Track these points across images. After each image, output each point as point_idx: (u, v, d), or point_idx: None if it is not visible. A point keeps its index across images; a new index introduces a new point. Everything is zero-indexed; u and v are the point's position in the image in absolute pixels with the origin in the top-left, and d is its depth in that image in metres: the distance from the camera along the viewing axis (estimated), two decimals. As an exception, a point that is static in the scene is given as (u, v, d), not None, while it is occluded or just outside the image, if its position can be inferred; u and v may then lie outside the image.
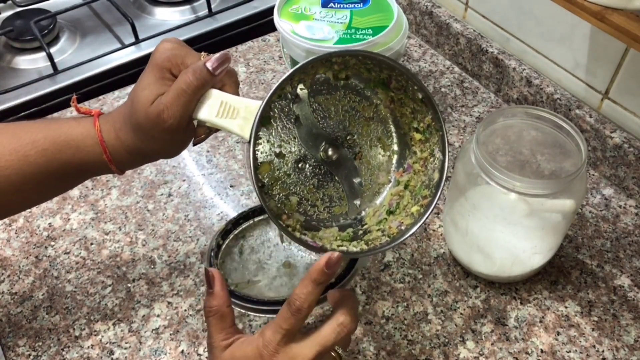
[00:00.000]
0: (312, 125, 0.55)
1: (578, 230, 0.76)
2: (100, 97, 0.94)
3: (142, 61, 1.01)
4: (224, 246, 0.70)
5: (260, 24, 1.10)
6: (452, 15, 0.98)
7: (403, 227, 0.54)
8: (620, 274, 0.72)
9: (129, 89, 0.96)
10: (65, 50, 1.03)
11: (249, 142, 0.49)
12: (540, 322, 0.67)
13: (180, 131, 0.52)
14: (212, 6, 1.10)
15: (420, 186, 0.56)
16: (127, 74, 1.01)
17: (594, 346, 0.65)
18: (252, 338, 0.49)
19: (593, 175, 0.83)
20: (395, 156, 0.59)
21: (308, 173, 0.56)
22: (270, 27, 0.92)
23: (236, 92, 0.54)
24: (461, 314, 0.68)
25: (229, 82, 0.53)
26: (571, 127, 0.62)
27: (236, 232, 0.71)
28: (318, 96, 0.55)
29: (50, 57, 0.96)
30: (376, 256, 0.73)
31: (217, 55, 0.51)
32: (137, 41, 1.03)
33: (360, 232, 0.56)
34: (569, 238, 0.75)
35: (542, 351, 0.65)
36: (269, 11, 1.02)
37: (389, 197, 0.58)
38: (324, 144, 0.56)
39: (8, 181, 0.52)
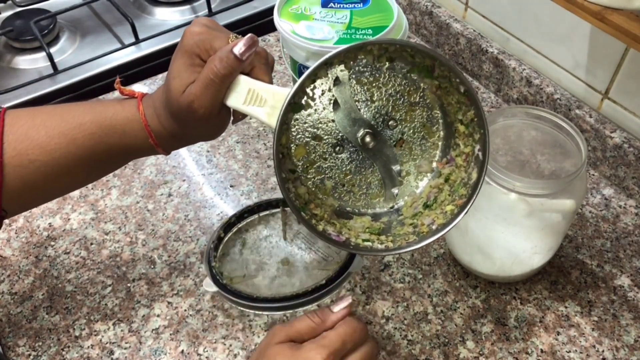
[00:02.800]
0: (351, 109, 0.53)
1: (578, 230, 0.76)
2: (100, 97, 0.94)
3: (142, 61, 1.01)
4: (226, 239, 0.71)
5: (260, 24, 1.09)
6: (452, 15, 0.98)
7: (434, 227, 0.52)
8: (620, 274, 0.72)
9: (128, 89, 0.96)
10: (65, 50, 1.03)
11: (275, 132, 0.48)
12: (540, 322, 0.67)
13: (214, 117, 0.52)
14: (212, 6, 1.10)
15: (459, 182, 0.54)
16: (127, 74, 1.00)
17: (594, 346, 0.65)
18: (308, 343, 0.49)
19: (593, 175, 0.83)
20: (440, 144, 0.56)
21: (345, 158, 0.54)
22: (270, 27, 0.92)
23: (268, 74, 0.52)
24: (461, 314, 0.68)
25: (258, 64, 0.52)
26: (571, 127, 0.62)
27: (240, 225, 0.72)
28: (361, 78, 0.52)
29: (50, 57, 0.96)
30: (376, 256, 0.73)
31: (244, 39, 0.49)
32: (137, 41, 1.03)
33: (395, 222, 0.55)
34: (569, 238, 0.75)
35: (542, 351, 0.65)
36: (269, 11, 1.02)
37: (428, 189, 0.56)
38: (362, 129, 0.53)
39: (57, 163, 0.53)
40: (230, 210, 0.79)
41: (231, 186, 0.82)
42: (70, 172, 0.54)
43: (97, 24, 1.08)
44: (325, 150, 0.53)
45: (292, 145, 0.52)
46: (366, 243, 0.52)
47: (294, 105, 0.51)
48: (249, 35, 0.50)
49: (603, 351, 0.65)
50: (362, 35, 0.76)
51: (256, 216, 0.73)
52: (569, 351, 0.65)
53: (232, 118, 0.55)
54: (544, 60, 0.87)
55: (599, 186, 0.81)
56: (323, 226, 0.52)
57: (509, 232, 0.64)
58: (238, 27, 1.08)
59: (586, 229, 0.76)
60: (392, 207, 0.56)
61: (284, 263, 0.70)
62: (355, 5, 0.80)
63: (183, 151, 0.87)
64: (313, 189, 0.54)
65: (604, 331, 0.66)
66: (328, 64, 0.50)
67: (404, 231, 0.54)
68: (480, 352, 0.65)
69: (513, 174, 0.59)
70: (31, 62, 1.01)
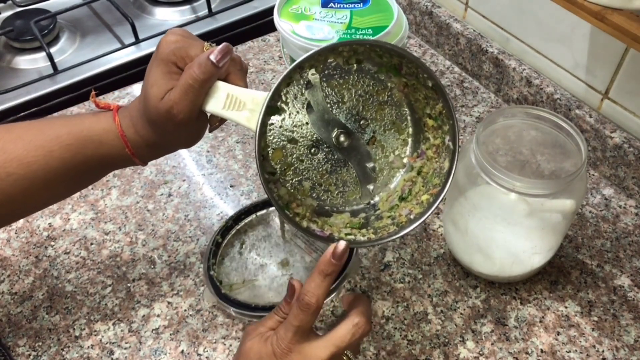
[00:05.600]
0: (324, 111, 0.55)
1: (578, 230, 0.76)
2: (100, 97, 0.94)
3: (142, 61, 1.01)
4: (224, 244, 0.71)
5: (260, 24, 1.09)
6: (452, 15, 0.98)
7: (412, 216, 0.54)
8: (620, 274, 0.72)
9: (129, 89, 0.96)
10: (65, 50, 1.03)
11: (255, 134, 0.49)
12: (540, 322, 0.67)
13: (192, 123, 0.53)
14: (212, 6, 1.10)
15: (432, 173, 0.56)
16: (127, 74, 1.00)
17: (594, 346, 0.65)
18: (271, 334, 0.49)
19: (593, 175, 0.83)
20: (410, 140, 0.58)
21: (321, 158, 0.56)
22: (270, 27, 0.92)
23: (243, 80, 0.54)
24: (461, 314, 0.68)
25: (234, 70, 0.53)
26: (571, 127, 0.62)
27: (238, 227, 0.72)
28: (331, 81, 0.54)
29: (50, 57, 0.96)
30: (376, 256, 0.73)
31: (220, 47, 0.51)
32: (137, 41, 1.03)
33: (373, 217, 0.57)
34: (569, 238, 0.75)
35: (542, 351, 0.65)
36: (269, 11, 1.02)
37: (402, 183, 0.58)
38: (336, 129, 0.55)
39: (35, 176, 0.53)
40: (230, 210, 0.79)
41: (231, 186, 0.82)
42: (48, 185, 0.54)
43: (97, 24, 1.08)
44: (301, 152, 0.55)
45: (269, 149, 0.54)
46: (349, 237, 0.53)
47: (272, 108, 0.53)
48: (224, 43, 0.51)
49: (603, 351, 0.65)
50: (362, 35, 0.76)
51: (253, 216, 0.73)
52: (569, 351, 0.65)
53: (208, 125, 0.56)
54: (544, 60, 0.87)
55: (599, 186, 0.81)
56: (307, 224, 0.53)
57: (509, 232, 0.64)
58: (238, 27, 1.08)
59: (586, 229, 0.76)
60: (368, 203, 0.58)
61: (284, 264, 0.70)
62: (355, 5, 0.80)
63: (183, 151, 0.87)
64: (292, 190, 0.55)
65: (604, 331, 0.66)
66: (300, 67, 0.51)
67: (384, 223, 0.55)
68: (480, 352, 0.65)
69: (513, 174, 0.59)
70: (31, 62, 1.01)
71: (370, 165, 0.58)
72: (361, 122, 0.56)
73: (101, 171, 0.59)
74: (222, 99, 0.52)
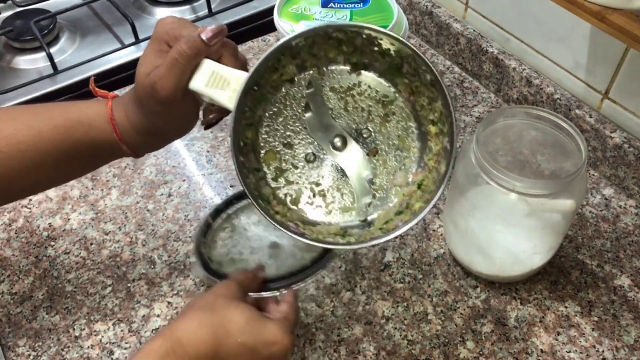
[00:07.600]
0: (323, 115, 0.53)
1: (578, 230, 0.76)
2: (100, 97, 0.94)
3: (142, 61, 1.01)
4: (215, 226, 0.70)
5: (260, 24, 1.09)
6: (452, 15, 0.98)
7: (400, 224, 0.52)
8: (620, 274, 0.72)
9: (129, 88, 0.96)
10: (65, 50, 1.03)
11: (232, 112, 0.48)
12: (540, 322, 0.67)
13: (176, 103, 0.51)
14: (212, 6, 1.10)
15: (430, 184, 0.53)
16: (127, 74, 1.00)
17: (594, 346, 0.65)
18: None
19: (593, 175, 0.83)
20: (415, 157, 0.55)
21: (316, 166, 0.54)
22: (270, 27, 0.92)
23: (235, 64, 0.53)
24: (461, 314, 0.68)
25: (226, 53, 0.52)
26: (571, 127, 0.62)
27: (229, 211, 0.71)
28: (335, 86, 0.53)
29: (50, 57, 0.96)
30: (376, 256, 0.73)
31: (213, 26, 0.50)
32: (137, 41, 1.03)
33: (365, 232, 0.54)
34: (569, 238, 0.75)
35: (542, 351, 0.65)
36: (269, 11, 1.02)
37: (401, 198, 0.55)
38: (335, 136, 0.53)
39: (24, 156, 0.53)
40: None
41: (231, 186, 0.82)
42: (38, 167, 0.54)
43: (97, 24, 1.08)
44: (296, 158, 0.53)
45: (262, 150, 0.52)
46: (328, 239, 0.52)
47: (260, 96, 0.51)
48: (219, 24, 0.51)
49: (603, 351, 0.65)
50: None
51: (245, 202, 0.72)
52: (569, 351, 0.65)
53: (201, 115, 0.55)
54: (544, 60, 0.87)
55: (599, 186, 0.81)
56: (280, 219, 0.51)
57: (509, 232, 0.64)
58: (238, 27, 1.08)
59: (586, 229, 0.76)
60: (364, 220, 0.55)
61: (273, 247, 0.69)
62: (355, 5, 0.80)
63: (183, 151, 0.87)
64: (281, 196, 0.53)
65: (604, 331, 0.66)
66: (300, 67, 0.49)
67: (372, 234, 0.53)
68: (480, 352, 0.65)
69: (513, 174, 0.59)
70: (31, 62, 1.01)
71: (368, 177, 0.55)
72: (363, 133, 0.54)
73: (91, 159, 0.58)
74: (206, 76, 0.50)
